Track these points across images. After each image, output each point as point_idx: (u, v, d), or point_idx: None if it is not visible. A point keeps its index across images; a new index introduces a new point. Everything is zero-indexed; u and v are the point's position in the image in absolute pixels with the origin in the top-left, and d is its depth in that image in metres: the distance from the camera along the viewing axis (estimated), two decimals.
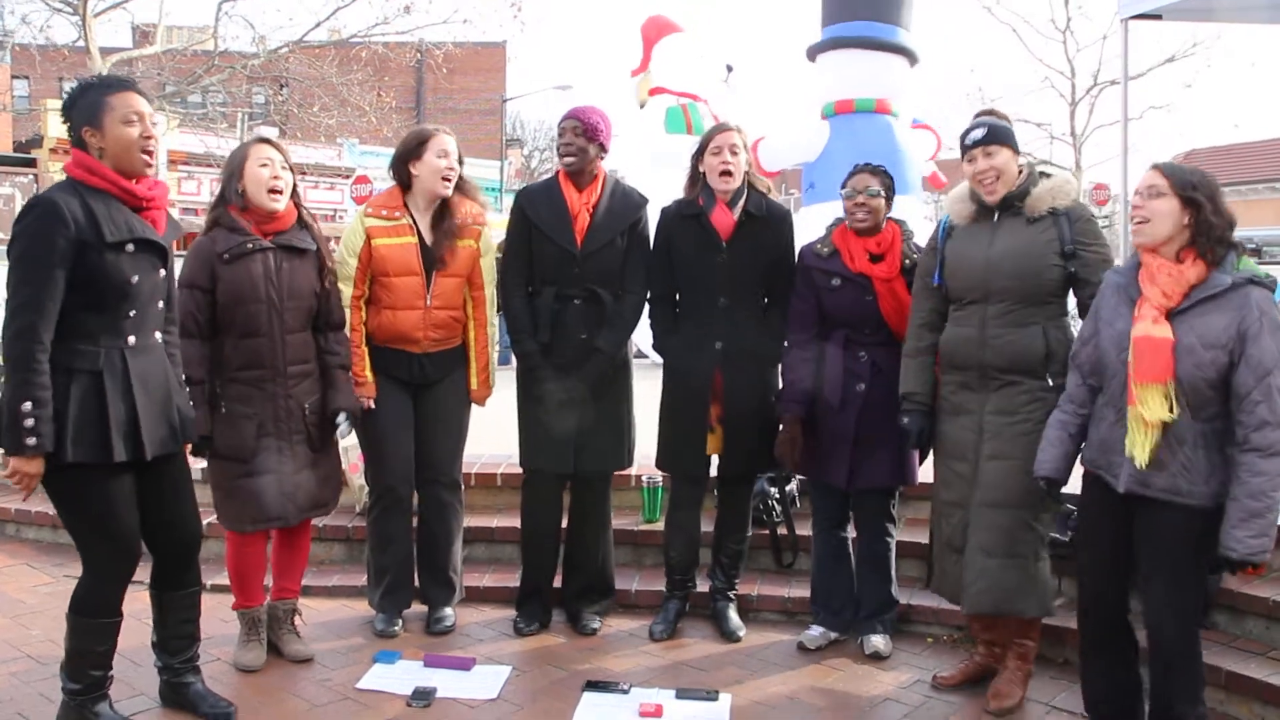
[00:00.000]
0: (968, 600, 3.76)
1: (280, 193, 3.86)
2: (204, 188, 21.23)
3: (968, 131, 3.77)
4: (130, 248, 3.18)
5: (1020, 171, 3.74)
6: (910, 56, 10.63)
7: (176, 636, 3.57)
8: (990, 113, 3.92)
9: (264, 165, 3.83)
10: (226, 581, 4.21)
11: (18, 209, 11.41)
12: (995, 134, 3.71)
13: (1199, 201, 3.09)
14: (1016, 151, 3.75)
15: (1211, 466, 3.08)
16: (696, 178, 4.32)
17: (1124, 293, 3.23)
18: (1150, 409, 3.07)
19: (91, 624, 3.32)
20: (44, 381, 3.06)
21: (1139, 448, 3.10)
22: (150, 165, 3.21)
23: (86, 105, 3.18)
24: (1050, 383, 3.64)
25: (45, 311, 3.06)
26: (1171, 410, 3.04)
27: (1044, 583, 3.72)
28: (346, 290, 4.17)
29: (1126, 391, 3.13)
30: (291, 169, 3.95)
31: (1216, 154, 30.04)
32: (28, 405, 3.03)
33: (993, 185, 3.69)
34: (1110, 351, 3.21)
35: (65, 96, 3.30)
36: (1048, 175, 3.78)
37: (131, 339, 3.25)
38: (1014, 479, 3.65)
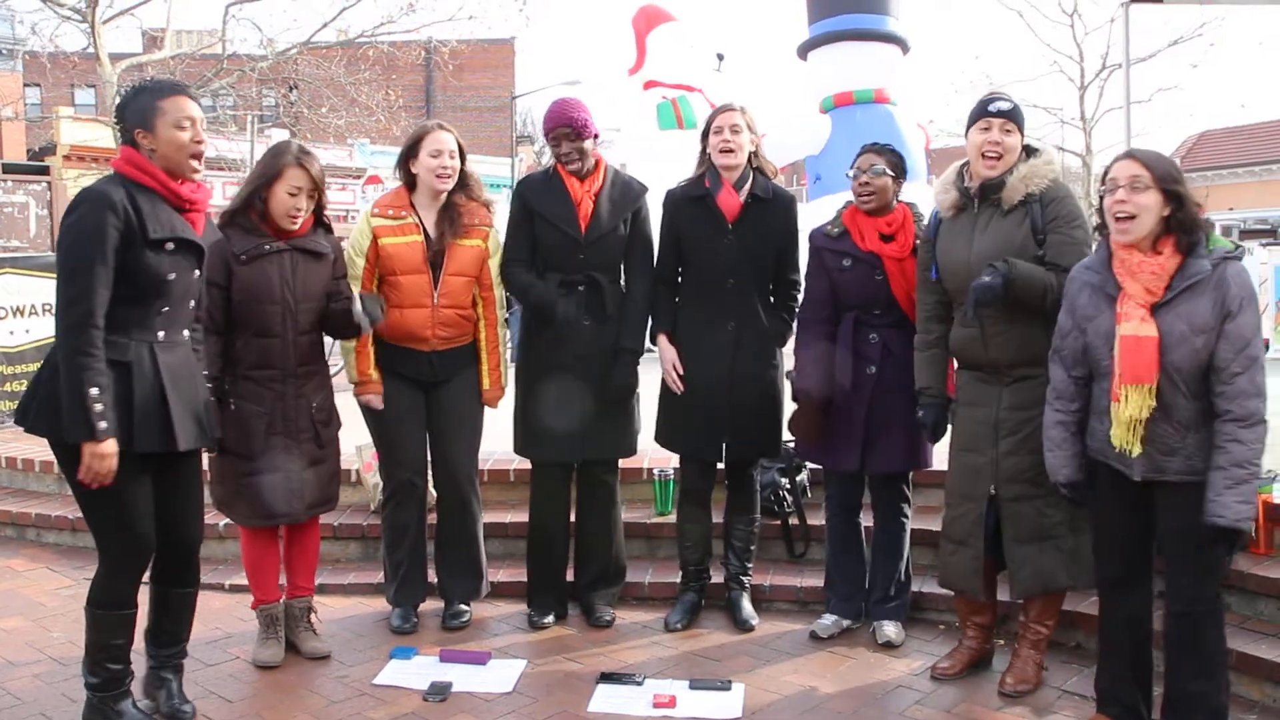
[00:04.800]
0: (1016, 587, 3.78)
1: (298, 219, 3.90)
2: (216, 191, 21.30)
3: (992, 99, 3.72)
4: (170, 246, 3.26)
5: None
6: (901, 44, 10.70)
7: (168, 632, 3.63)
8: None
9: (292, 194, 3.85)
10: (245, 581, 4.26)
11: (31, 217, 11.33)
12: (1017, 114, 3.68)
13: (1181, 194, 3.08)
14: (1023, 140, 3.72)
15: None
16: (704, 160, 4.33)
17: (1099, 290, 3.22)
18: (1132, 407, 3.09)
19: (107, 616, 3.39)
20: (103, 368, 3.15)
21: (1127, 443, 3.13)
22: (198, 170, 3.31)
23: (139, 108, 3.28)
24: None
25: (99, 300, 3.14)
26: (1144, 409, 3.07)
27: (1085, 555, 3.67)
28: (355, 290, 4.21)
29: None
30: (320, 191, 3.93)
31: (1230, 134, 29.86)
32: (94, 391, 3.11)
33: (994, 162, 3.66)
34: (1100, 348, 3.20)
35: (119, 99, 3.41)
36: (1036, 153, 3.72)
37: (161, 334, 3.33)
38: (1033, 471, 3.66)
